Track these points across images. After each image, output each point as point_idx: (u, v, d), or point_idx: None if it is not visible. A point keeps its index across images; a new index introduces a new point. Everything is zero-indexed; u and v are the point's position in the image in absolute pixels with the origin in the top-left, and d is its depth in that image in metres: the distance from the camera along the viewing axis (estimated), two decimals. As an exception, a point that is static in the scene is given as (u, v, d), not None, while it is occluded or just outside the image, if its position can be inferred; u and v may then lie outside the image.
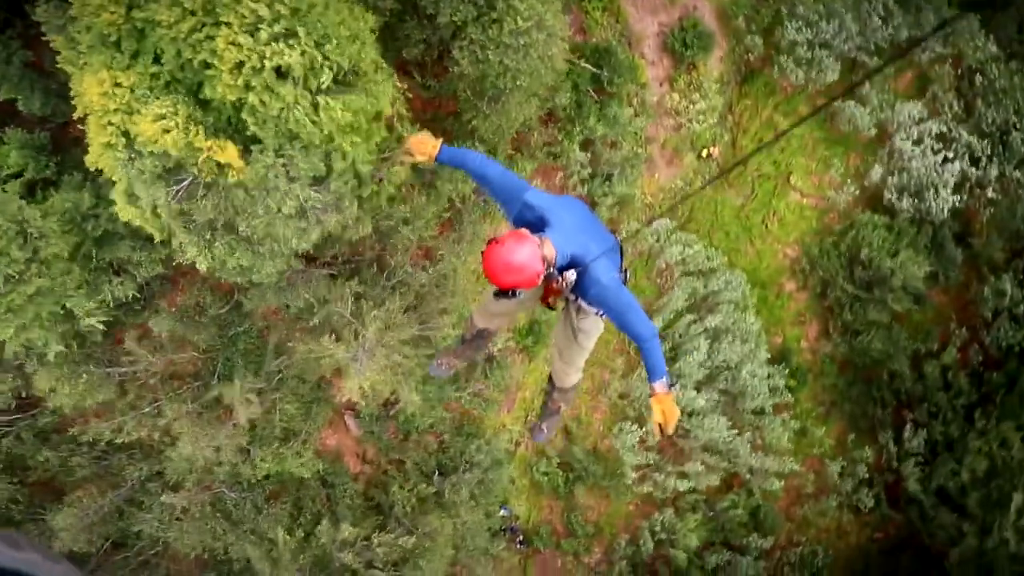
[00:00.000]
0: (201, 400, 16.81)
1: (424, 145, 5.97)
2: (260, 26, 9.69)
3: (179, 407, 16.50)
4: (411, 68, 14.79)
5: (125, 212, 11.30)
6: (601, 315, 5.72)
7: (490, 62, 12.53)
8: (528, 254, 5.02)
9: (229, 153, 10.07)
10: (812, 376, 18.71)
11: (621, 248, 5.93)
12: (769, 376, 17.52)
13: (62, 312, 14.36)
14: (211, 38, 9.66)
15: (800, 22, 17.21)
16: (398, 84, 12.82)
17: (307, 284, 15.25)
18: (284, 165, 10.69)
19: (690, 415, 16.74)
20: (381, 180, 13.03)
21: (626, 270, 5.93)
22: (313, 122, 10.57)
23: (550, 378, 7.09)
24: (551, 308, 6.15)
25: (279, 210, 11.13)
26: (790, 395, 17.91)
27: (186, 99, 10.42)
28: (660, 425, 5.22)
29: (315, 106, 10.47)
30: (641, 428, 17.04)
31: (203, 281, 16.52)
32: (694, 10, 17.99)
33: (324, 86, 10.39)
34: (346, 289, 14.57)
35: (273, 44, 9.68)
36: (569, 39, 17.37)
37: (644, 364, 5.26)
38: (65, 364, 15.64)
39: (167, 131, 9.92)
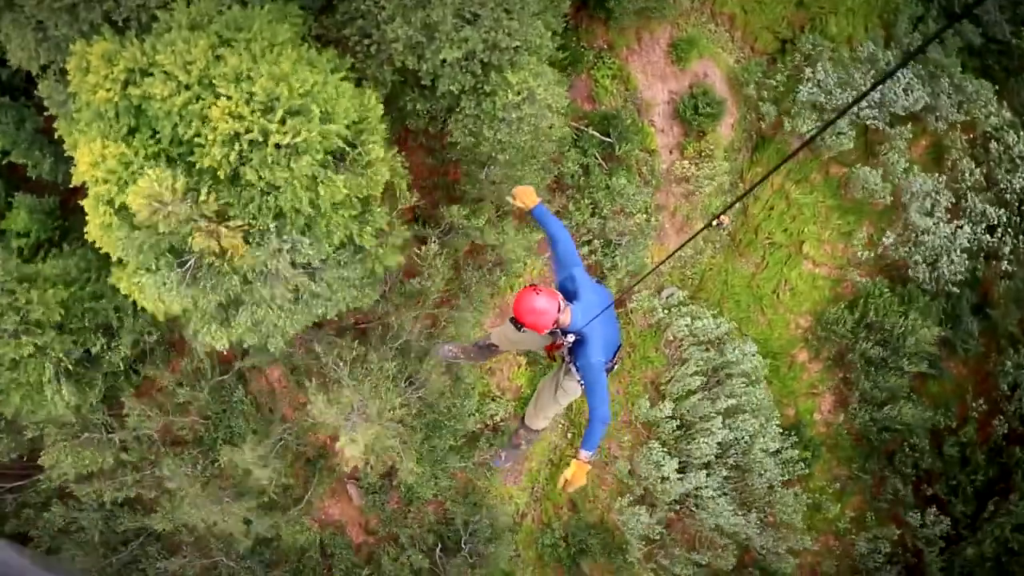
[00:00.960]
0: (202, 465, 16.81)
1: (527, 196, 7.18)
2: (264, 102, 9.78)
3: (179, 471, 16.49)
4: (415, 136, 14.91)
5: (142, 300, 11.28)
6: (581, 384, 6.65)
7: (483, 136, 12.59)
8: (547, 309, 6.20)
9: (228, 239, 10.11)
10: (826, 449, 18.30)
11: (620, 347, 7.02)
12: (780, 451, 17.13)
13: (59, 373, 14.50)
14: (205, 111, 9.76)
15: (814, 86, 17.17)
16: (399, 158, 12.97)
17: (310, 348, 15.26)
18: (288, 251, 10.74)
19: (696, 497, 16.42)
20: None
21: (615, 364, 6.98)
22: (312, 202, 10.65)
23: (523, 417, 8.26)
24: (552, 360, 7.35)
25: (273, 299, 11.18)
26: (804, 468, 17.47)
27: (185, 172, 10.52)
28: (566, 480, 6.32)
29: (315, 182, 10.55)
30: (648, 508, 16.74)
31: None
32: (704, 77, 18.03)
33: (325, 163, 10.49)
34: (345, 351, 14.52)
35: (276, 122, 9.79)
36: (577, 107, 17.58)
37: (585, 433, 6.27)
38: (64, 435, 15.74)
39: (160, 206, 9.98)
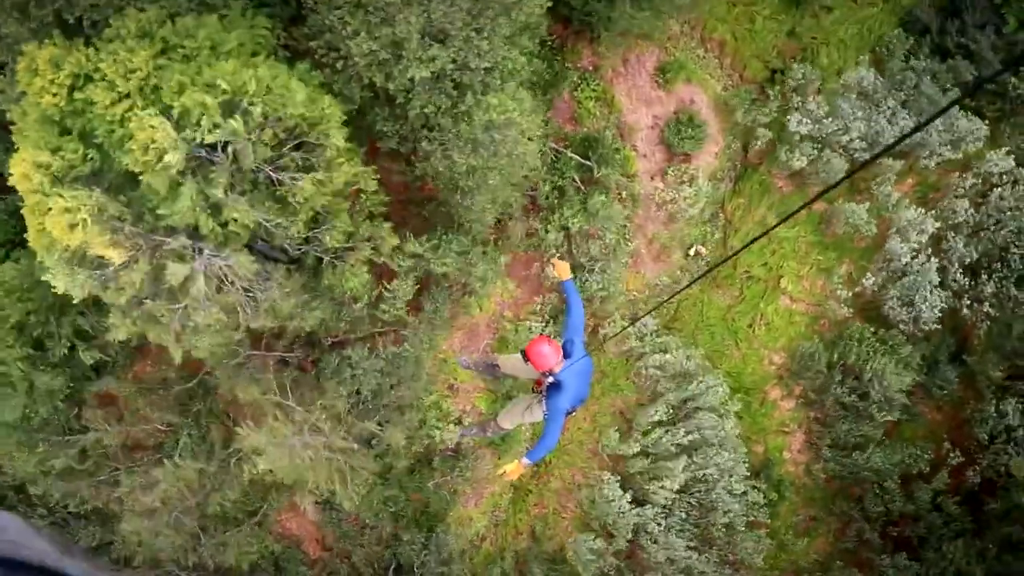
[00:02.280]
0: (156, 475, 16.64)
1: (562, 271, 8.92)
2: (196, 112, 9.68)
3: (134, 480, 16.36)
4: (386, 154, 14.75)
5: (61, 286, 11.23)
6: (544, 414, 8.46)
7: (454, 161, 12.45)
8: (550, 356, 8.04)
9: (110, 253, 10.05)
10: (794, 489, 18.14)
11: (584, 401, 8.82)
12: (745, 492, 16.95)
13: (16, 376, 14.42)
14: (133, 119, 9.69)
15: (804, 116, 17.01)
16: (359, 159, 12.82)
17: (259, 369, 15.10)
18: (218, 268, 10.64)
19: (648, 532, 16.27)
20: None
21: (574, 411, 8.66)
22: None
23: (496, 415, 10.22)
24: (534, 391, 9.08)
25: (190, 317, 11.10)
26: (766, 511, 17.31)
27: (103, 188, 10.45)
28: (505, 471, 8.39)
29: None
30: (605, 541, 16.58)
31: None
32: (691, 103, 17.87)
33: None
34: (288, 376, 14.38)
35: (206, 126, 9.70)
36: (558, 127, 17.42)
37: (535, 447, 8.21)
38: (20, 431, 15.63)
39: (73, 226, 9.90)
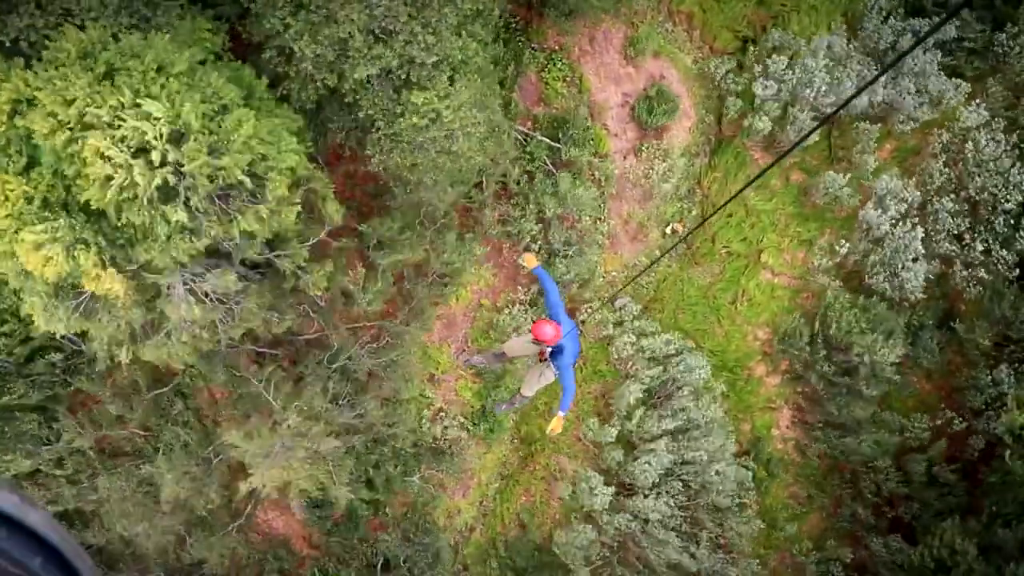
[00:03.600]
0: (137, 479, 16.90)
1: (529, 260, 10.25)
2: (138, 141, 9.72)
3: (114, 485, 16.60)
4: (346, 148, 14.85)
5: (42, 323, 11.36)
6: (555, 374, 9.96)
7: (394, 159, 12.53)
8: (552, 334, 9.36)
9: (107, 283, 10.13)
10: (784, 467, 18.24)
11: (580, 353, 10.20)
12: (734, 471, 17.07)
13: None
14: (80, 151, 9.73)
15: (766, 78, 16.98)
16: (322, 176, 12.90)
17: (235, 363, 15.29)
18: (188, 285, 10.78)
19: (643, 522, 16.40)
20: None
21: (576, 362, 10.08)
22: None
23: (519, 388, 11.49)
24: (542, 360, 10.27)
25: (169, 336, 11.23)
26: (756, 492, 17.44)
27: (74, 217, 10.51)
28: (551, 428, 9.94)
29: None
30: (594, 528, 16.74)
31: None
32: (661, 78, 17.85)
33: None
34: (268, 373, 14.55)
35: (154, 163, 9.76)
36: (527, 110, 17.45)
37: (561, 400, 9.65)
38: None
39: (49, 259, 10.00)
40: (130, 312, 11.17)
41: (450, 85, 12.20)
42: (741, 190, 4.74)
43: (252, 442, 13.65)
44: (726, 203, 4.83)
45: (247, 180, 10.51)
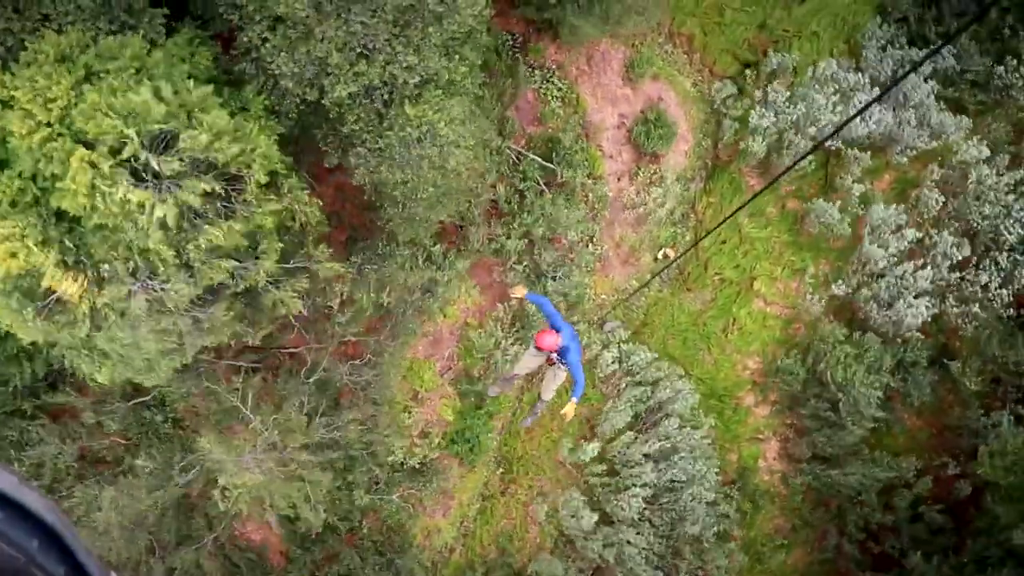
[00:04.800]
0: (115, 488, 16.85)
1: (518, 291, 11.35)
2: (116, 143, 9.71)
3: (87, 494, 16.56)
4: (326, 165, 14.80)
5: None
6: (564, 371, 11.24)
7: (383, 175, 12.45)
8: (554, 342, 10.59)
9: (66, 285, 10.10)
10: (769, 498, 18.02)
11: (583, 349, 12.33)
12: (717, 502, 16.88)
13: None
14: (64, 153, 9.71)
15: (765, 108, 16.87)
16: (300, 186, 12.83)
17: (212, 377, 15.25)
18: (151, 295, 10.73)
19: (618, 549, 16.24)
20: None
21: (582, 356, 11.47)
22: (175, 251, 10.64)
23: (539, 394, 12.78)
24: (551, 364, 11.44)
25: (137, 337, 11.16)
26: (740, 521, 17.25)
27: (43, 217, 10.51)
28: (565, 414, 10.90)
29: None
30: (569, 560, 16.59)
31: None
32: (659, 101, 17.74)
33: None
34: (242, 386, 14.49)
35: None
36: (520, 129, 17.37)
37: (572, 390, 10.66)
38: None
39: (13, 255, 9.99)
40: (84, 320, 11.11)
41: (443, 104, 12.11)
42: (733, 213, 4.67)
43: (222, 448, 13.55)
44: (718, 226, 4.84)
45: (218, 187, 10.51)
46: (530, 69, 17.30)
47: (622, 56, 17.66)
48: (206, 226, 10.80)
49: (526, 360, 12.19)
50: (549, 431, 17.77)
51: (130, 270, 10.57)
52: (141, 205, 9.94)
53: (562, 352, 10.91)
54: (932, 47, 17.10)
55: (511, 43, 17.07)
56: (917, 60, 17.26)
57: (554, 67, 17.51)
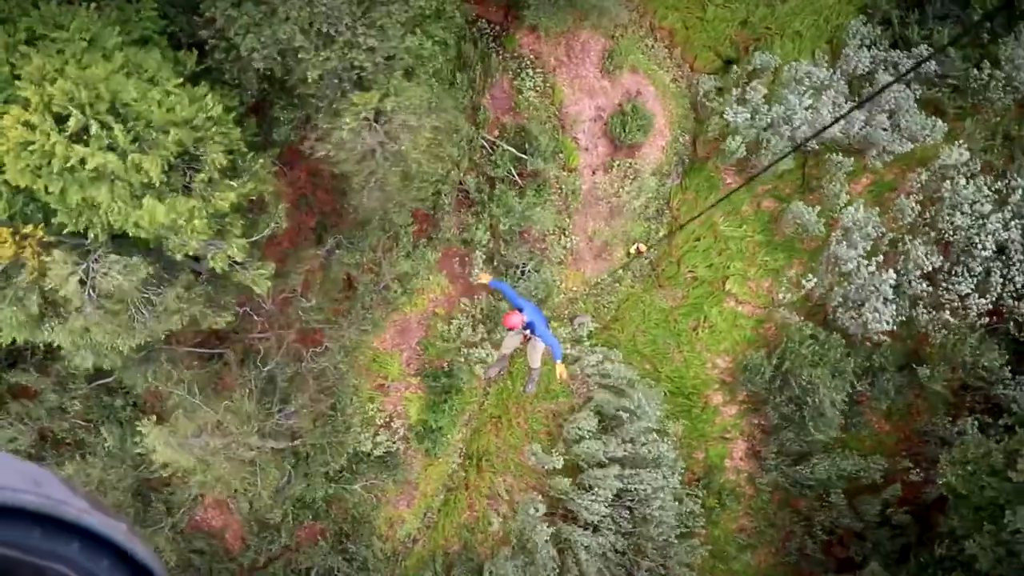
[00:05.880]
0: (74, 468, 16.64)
1: (483, 278, 12.08)
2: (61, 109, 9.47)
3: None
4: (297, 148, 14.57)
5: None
6: (539, 341, 12.14)
7: (340, 158, 12.25)
8: (518, 320, 11.29)
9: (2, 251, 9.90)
10: (735, 498, 17.89)
11: (548, 321, 12.93)
12: (681, 501, 16.74)
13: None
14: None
15: (741, 106, 16.66)
16: (267, 167, 12.58)
17: (171, 362, 15.02)
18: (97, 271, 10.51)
19: (585, 548, 16.08)
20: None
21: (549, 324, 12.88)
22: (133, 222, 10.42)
23: (528, 365, 13.33)
24: (527, 340, 12.38)
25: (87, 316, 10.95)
26: (704, 520, 17.11)
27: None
28: (560, 376, 11.55)
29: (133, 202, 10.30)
30: (527, 558, 16.41)
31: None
32: (637, 95, 17.52)
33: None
34: (190, 376, 14.28)
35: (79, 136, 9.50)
36: (495, 118, 17.14)
37: (553, 354, 11.38)
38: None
39: None
40: (30, 295, 10.90)
41: (406, 82, 11.87)
42: (706, 210, 4.47)
43: (164, 432, 13.35)
44: (689, 221, 4.60)
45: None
46: (506, 58, 17.07)
47: (601, 48, 17.43)
48: (157, 202, 10.56)
49: (508, 341, 13.16)
50: (515, 427, 17.60)
51: (77, 248, 10.36)
52: (83, 161, 9.68)
53: (530, 327, 11.71)
54: (912, 50, 16.92)
55: (488, 31, 16.84)
56: (899, 65, 17.10)
57: (531, 56, 17.26)
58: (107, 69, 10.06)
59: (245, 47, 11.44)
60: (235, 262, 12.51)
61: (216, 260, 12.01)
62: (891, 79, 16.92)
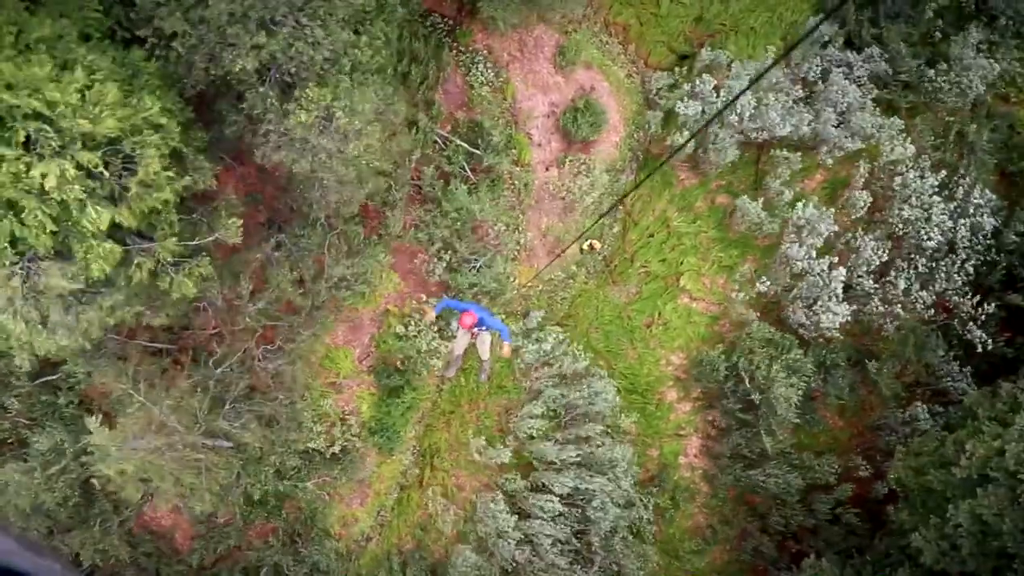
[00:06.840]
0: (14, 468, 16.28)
1: (430, 313, 13.54)
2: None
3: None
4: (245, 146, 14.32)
5: None
6: (487, 333, 13.12)
7: (288, 155, 12.01)
8: (470, 320, 12.31)
9: None
10: (690, 496, 17.83)
11: (493, 314, 13.56)
12: (632, 503, 16.64)
13: None
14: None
15: (695, 101, 16.59)
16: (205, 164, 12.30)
17: (121, 357, 14.74)
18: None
19: (533, 545, 15.96)
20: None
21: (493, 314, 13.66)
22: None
23: (480, 357, 13.98)
24: (475, 337, 13.22)
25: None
26: (658, 521, 17.05)
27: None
28: (502, 354, 12.76)
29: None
30: (484, 556, 16.29)
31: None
32: (591, 90, 17.40)
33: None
34: (132, 371, 13.99)
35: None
36: (448, 113, 16.96)
37: (501, 336, 12.46)
38: None
39: None
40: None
41: (351, 86, 11.64)
42: (625, 194, 4.29)
43: (105, 432, 13.07)
44: (611, 209, 4.41)
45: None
46: (459, 52, 16.90)
47: (555, 43, 17.31)
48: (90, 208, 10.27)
49: (460, 340, 13.76)
50: (467, 424, 17.43)
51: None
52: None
53: (480, 322, 12.73)
54: (866, 51, 16.95)
55: (441, 25, 16.66)
56: (851, 65, 17.13)
57: (485, 51, 17.11)
58: (48, 65, 9.79)
59: (168, 27, 11.13)
60: (169, 263, 12.20)
61: (160, 252, 11.71)
62: (846, 79, 16.99)
